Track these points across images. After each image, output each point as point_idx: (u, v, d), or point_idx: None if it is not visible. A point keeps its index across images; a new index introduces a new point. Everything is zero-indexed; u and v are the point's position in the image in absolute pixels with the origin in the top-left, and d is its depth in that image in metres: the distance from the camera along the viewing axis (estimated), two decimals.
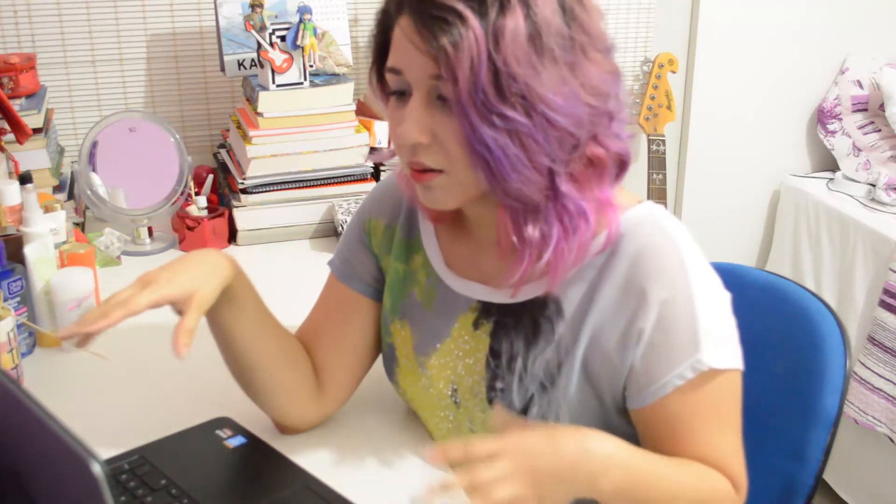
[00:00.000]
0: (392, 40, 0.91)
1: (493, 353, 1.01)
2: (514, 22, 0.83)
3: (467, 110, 0.84)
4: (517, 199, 0.89)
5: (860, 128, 2.41)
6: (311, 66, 1.74)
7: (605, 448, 0.88)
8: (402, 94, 0.91)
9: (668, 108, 2.26)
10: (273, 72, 1.71)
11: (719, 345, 0.93)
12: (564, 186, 0.90)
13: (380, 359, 1.15)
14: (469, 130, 0.85)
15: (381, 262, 1.12)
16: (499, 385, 1.01)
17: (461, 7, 0.83)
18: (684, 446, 0.95)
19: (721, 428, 0.95)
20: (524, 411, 0.99)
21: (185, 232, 1.70)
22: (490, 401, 1.01)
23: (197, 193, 1.73)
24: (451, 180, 0.91)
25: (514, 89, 0.84)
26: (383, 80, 0.95)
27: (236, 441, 1.10)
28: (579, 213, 0.91)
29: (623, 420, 0.99)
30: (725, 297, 0.97)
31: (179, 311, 0.96)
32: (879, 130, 2.40)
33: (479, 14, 0.83)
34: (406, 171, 0.94)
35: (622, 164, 0.94)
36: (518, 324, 1.00)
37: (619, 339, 0.94)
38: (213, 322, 1.03)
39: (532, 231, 0.91)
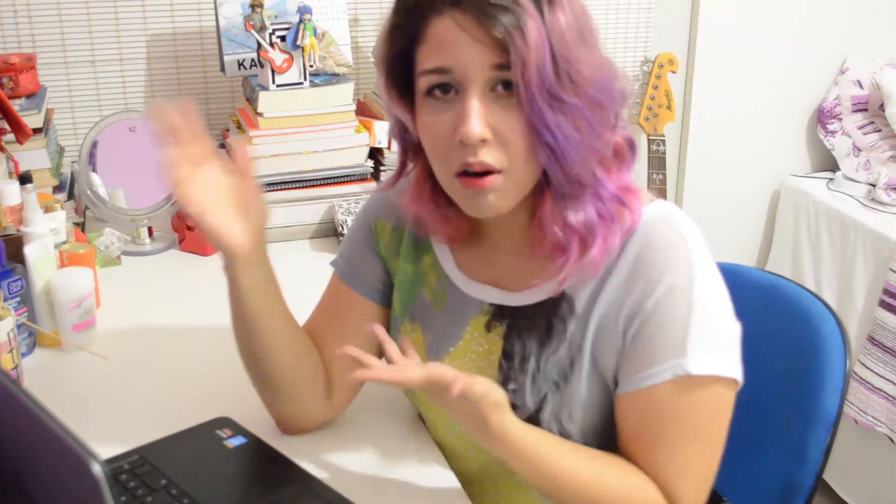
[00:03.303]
0: (427, 41, 0.89)
1: (506, 354, 1.01)
2: (563, 10, 0.87)
3: (535, 96, 0.86)
4: (574, 184, 0.91)
5: (860, 128, 2.41)
6: (311, 66, 1.74)
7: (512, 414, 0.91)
8: (442, 99, 0.90)
9: (668, 108, 2.26)
10: (273, 72, 1.71)
11: (708, 352, 0.91)
12: (598, 172, 0.93)
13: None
14: (536, 117, 0.87)
15: (389, 265, 1.11)
16: (511, 386, 1.00)
17: None
18: (638, 445, 0.94)
19: (685, 440, 0.93)
20: (537, 411, 0.99)
21: (185, 232, 1.70)
22: None
23: None
24: (509, 180, 0.90)
25: (568, 73, 0.87)
26: (403, 91, 0.94)
27: (236, 441, 1.10)
28: (611, 198, 0.93)
29: None
30: (728, 306, 0.96)
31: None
32: (879, 130, 2.40)
33: (534, 2, 0.86)
34: (451, 185, 0.93)
35: (632, 150, 0.97)
36: (531, 325, 0.99)
37: (623, 325, 0.94)
38: (244, 290, 1.00)
39: (574, 219, 0.92)
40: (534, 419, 0.99)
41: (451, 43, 0.87)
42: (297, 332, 1.08)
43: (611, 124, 0.92)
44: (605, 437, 0.99)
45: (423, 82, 0.91)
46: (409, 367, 0.89)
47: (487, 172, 0.90)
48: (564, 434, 0.98)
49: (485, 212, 0.93)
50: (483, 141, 0.88)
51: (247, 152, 0.98)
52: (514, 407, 1.00)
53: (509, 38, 0.84)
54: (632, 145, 0.97)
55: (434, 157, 0.94)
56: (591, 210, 0.93)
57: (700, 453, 0.94)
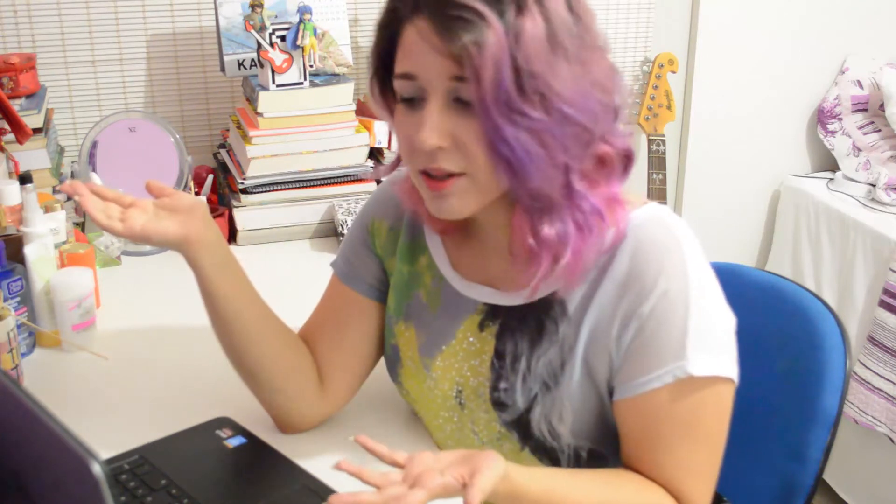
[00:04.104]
0: (401, 45, 0.89)
1: (498, 354, 1.01)
2: (532, 20, 0.84)
3: (490, 110, 0.84)
4: (538, 199, 0.90)
5: (860, 128, 2.41)
6: (311, 66, 1.74)
7: (506, 462, 0.85)
8: (412, 101, 0.90)
9: (668, 108, 2.26)
10: (273, 72, 1.71)
11: (707, 353, 0.91)
12: (578, 185, 0.90)
13: (382, 360, 1.15)
14: (492, 131, 0.85)
15: (386, 264, 1.12)
16: (502, 385, 1.00)
17: (481, 6, 0.83)
18: (643, 450, 0.94)
19: (690, 442, 0.93)
20: (527, 411, 0.99)
21: None
22: (494, 402, 1.01)
23: (197, 193, 1.73)
24: (472, 183, 0.90)
25: (534, 87, 0.84)
26: (386, 89, 0.94)
27: (236, 441, 1.10)
28: (593, 212, 0.92)
29: None
30: (724, 305, 0.95)
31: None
32: (879, 130, 2.40)
33: (498, 13, 0.83)
34: (418, 182, 0.93)
35: (627, 161, 0.95)
36: (523, 325, 0.99)
37: (617, 330, 0.94)
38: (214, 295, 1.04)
39: (548, 231, 0.91)
40: (524, 419, 0.99)
41: (415, 51, 0.87)
42: (275, 321, 1.09)
43: (589, 139, 0.89)
44: (596, 438, 0.99)
45: (395, 85, 0.91)
46: (408, 495, 0.80)
47: (449, 175, 0.90)
48: (554, 434, 0.98)
49: (446, 214, 0.92)
50: (440, 148, 0.88)
51: (158, 183, 1.04)
52: (504, 406, 1.00)
53: (465, 52, 0.83)
54: (628, 156, 0.94)
55: (403, 156, 0.95)
56: (570, 222, 0.91)
57: (705, 454, 0.94)
